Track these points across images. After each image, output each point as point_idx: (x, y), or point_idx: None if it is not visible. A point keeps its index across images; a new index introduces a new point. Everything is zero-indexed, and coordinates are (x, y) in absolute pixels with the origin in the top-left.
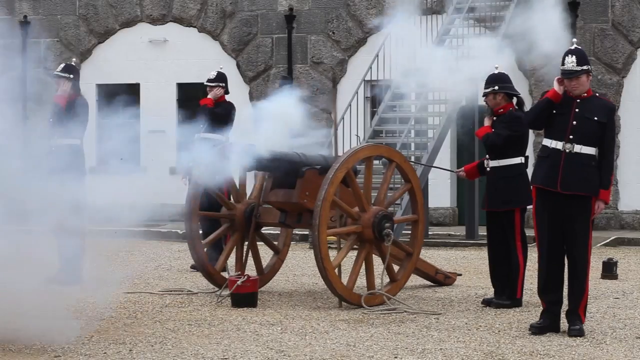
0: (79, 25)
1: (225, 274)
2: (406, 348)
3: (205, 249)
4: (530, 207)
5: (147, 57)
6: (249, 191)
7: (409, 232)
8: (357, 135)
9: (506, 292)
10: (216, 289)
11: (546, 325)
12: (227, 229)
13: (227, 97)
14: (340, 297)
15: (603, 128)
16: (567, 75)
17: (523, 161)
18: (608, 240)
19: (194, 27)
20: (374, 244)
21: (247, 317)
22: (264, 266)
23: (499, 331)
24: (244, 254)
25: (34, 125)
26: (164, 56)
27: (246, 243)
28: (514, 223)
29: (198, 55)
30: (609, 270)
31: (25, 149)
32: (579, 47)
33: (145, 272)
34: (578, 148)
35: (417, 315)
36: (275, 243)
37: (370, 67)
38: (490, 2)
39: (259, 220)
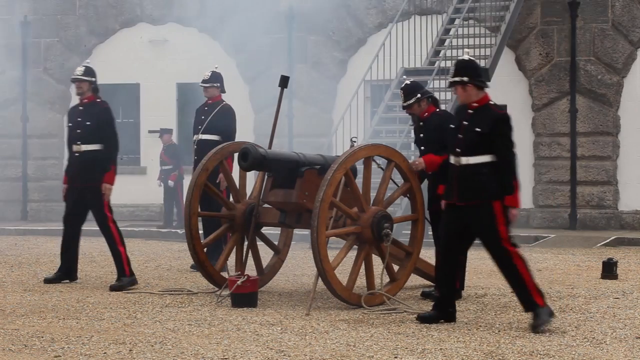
0: (79, 25)
1: (225, 274)
2: (406, 348)
3: (205, 249)
4: None
5: (147, 57)
6: (248, 191)
7: (409, 232)
8: (353, 139)
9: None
10: (216, 289)
11: (434, 317)
12: (227, 229)
13: (224, 96)
14: (340, 298)
15: (488, 138)
16: (449, 85)
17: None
18: (608, 240)
19: (194, 27)
20: (373, 244)
21: (247, 317)
22: (264, 266)
23: (499, 331)
24: (244, 254)
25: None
26: (164, 56)
27: (246, 243)
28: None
29: (198, 55)
30: (609, 270)
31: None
32: (465, 58)
33: (145, 272)
34: (466, 160)
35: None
36: (276, 243)
37: (370, 67)
38: (491, 2)
39: (259, 220)
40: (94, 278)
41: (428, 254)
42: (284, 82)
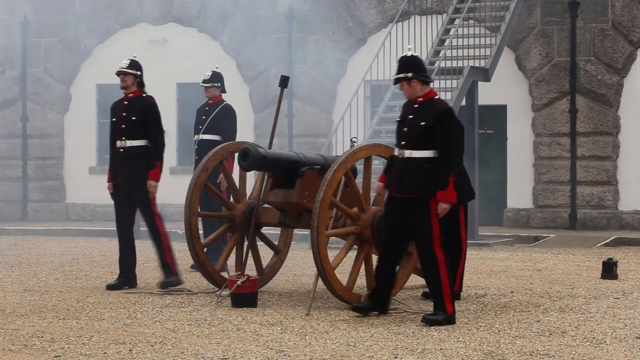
0: (79, 25)
1: (225, 274)
2: (406, 348)
3: (205, 249)
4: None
5: (147, 57)
6: (248, 191)
7: None
8: (353, 139)
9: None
10: (216, 289)
11: (368, 307)
12: (227, 229)
13: (225, 96)
14: (340, 298)
15: (432, 132)
16: (394, 82)
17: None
18: (608, 240)
19: (194, 27)
20: (373, 244)
21: (247, 317)
22: (264, 266)
23: (499, 331)
24: (244, 254)
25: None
26: (164, 56)
27: (246, 243)
28: (458, 219)
29: (198, 55)
30: (609, 270)
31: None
32: (408, 55)
33: (145, 272)
34: (409, 153)
35: (417, 315)
36: (276, 243)
37: (370, 67)
38: (491, 2)
39: (259, 220)
40: (94, 278)
41: None
42: (284, 82)
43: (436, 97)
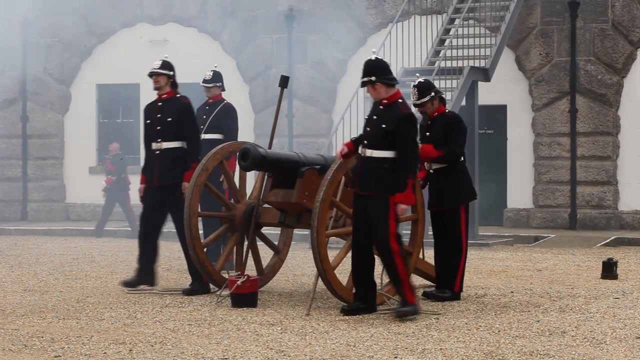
0: (79, 25)
1: (225, 274)
2: (406, 348)
3: (205, 249)
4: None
5: (147, 57)
6: (248, 191)
7: (409, 231)
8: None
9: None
10: (216, 289)
11: (358, 308)
12: (227, 229)
13: (224, 96)
14: (340, 298)
15: (392, 135)
16: (361, 86)
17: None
18: (608, 240)
19: (194, 27)
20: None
21: (247, 317)
22: (264, 266)
23: (499, 331)
24: (244, 254)
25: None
26: (164, 56)
27: (246, 243)
28: (459, 219)
29: (198, 55)
30: (609, 270)
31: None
32: (372, 58)
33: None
34: (370, 152)
35: (417, 315)
36: (276, 243)
37: None
38: (491, 2)
39: (259, 220)
40: (94, 278)
41: (428, 254)
42: (284, 82)
43: (400, 100)
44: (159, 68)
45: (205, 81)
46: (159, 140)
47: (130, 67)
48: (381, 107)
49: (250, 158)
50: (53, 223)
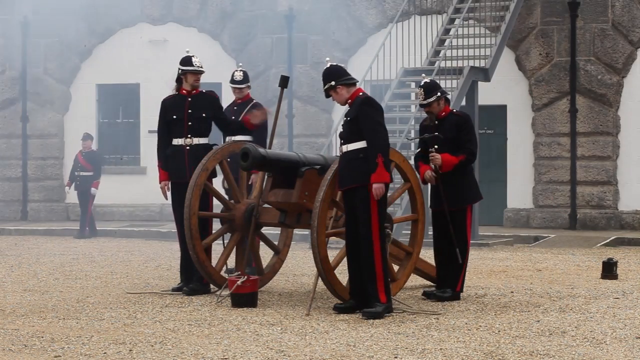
0: (79, 26)
1: (225, 274)
2: (406, 348)
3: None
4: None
5: (147, 57)
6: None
7: (409, 232)
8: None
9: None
10: (216, 289)
11: (352, 306)
12: (227, 229)
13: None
14: (340, 298)
15: (357, 123)
16: (325, 96)
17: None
18: (608, 240)
19: (194, 27)
20: None
21: (247, 317)
22: (264, 266)
23: (499, 331)
24: (244, 254)
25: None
26: (164, 56)
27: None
28: (466, 219)
29: (198, 56)
30: (609, 270)
31: None
32: (327, 66)
33: (145, 272)
34: (345, 147)
35: (417, 315)
36: (276, 243)
37: (370, 67)
38: (491, 2)
39: (259, 220)
40: (94, 278)
41: (428, 254)
42: (284, 82)
43: (362, 94)
44: (201, 67)
45: (236, 82)
46: (190, 135)
47: (130, 67)
48: (348, 107)
49: (251, 158)
50: (53, 223)
